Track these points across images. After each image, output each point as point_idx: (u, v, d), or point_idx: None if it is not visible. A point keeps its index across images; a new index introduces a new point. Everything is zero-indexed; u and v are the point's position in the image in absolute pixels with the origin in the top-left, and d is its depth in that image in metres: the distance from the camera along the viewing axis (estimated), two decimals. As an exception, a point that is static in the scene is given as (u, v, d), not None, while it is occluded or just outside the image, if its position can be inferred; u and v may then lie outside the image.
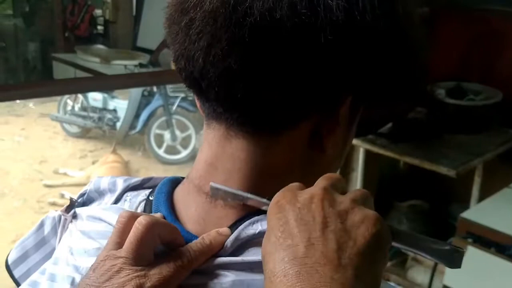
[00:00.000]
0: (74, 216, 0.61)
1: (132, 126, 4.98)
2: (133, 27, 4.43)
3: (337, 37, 0.45)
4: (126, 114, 4.92)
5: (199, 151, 0.56)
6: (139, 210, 0.57)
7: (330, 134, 0.51)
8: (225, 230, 0.51)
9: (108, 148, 4.74)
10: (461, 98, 2.25)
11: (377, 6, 0.47)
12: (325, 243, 0.41)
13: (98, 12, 4.52)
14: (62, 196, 4.07)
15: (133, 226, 0.48)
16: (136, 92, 4.89)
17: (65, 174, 4.49)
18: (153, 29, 4.29)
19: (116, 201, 0.61)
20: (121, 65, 3.52)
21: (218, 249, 0.50)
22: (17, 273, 0.64)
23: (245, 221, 0.51)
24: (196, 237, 0.51)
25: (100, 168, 4.33)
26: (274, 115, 0.50)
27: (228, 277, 0.48)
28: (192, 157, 4.84)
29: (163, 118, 4.86)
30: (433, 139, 2.16)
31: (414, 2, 0.53)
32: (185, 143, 4.91)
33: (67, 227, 0.61)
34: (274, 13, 0.44)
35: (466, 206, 2.50)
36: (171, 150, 4.91)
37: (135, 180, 0.62)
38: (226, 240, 0.50)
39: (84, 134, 5.34)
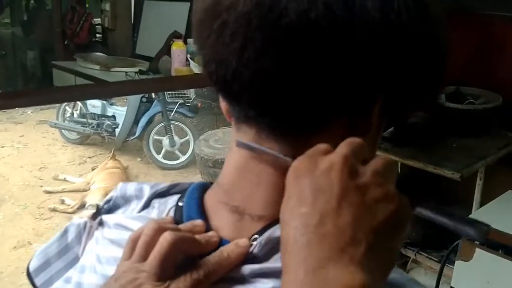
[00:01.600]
0: (100, 223, 0.59)
1: (131, 132, 5.00)
2: (131, 35, 4.43)
3: (373, 37, 0.45)
4: (125, 120, 4.93)
5: (227, 156, 0.55)
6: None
7: (362, 135, 0.50)
8: (244, 241, 0.50)
9: (107, 154, 4.76)
10: (461, 103, 2.28)
11: (412, 7, 0.47)
12: (340, 215, 0.40)
13: (96, 20, 4.52)
14: (62, 202, 4.08)
15: (159, 242, 0.48)
16: (134, 99, 4.90)
17: (64, 180, 4.50)
18: (152, 36, 4.29)
19: (143, 208, 0.59)
20: (121, 72, 3.52)
21: (238, 262, 0.49)
22: (38, 281, 0.62)
23: (276, 224, 0.49)
24: (229, 241, 0.51)
25: (99, 174, 4.35)
26: (307, 117, 0.49)
27: (267, 284, 0.47)
28: (191, 163, 4.85)
29: (162, 124, 4.87)
30: (435, 142, 2.18)
31: (441, 4, 0.53)
32: (183, 148, 4.92)
33: (93, 235, 0.60)
34: (310, 14, 0.44)
35: (466, 208, 2.52)
36: (169, 155, 4.92)
37: (161, 186, 0.61)
38: (250, 249, 0.49)
39: (83, 140, 5.35)
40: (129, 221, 0.57)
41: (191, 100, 4.93)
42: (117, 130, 5.01)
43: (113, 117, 5.09)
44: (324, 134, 0.50)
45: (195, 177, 4.44)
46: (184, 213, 0.55)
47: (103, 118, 5.10)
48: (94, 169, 4.57)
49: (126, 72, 3.55)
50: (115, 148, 4.80)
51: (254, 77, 0.46)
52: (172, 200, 0.58)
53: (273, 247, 0.49)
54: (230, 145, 0.56)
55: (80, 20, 4.34)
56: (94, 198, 4.00)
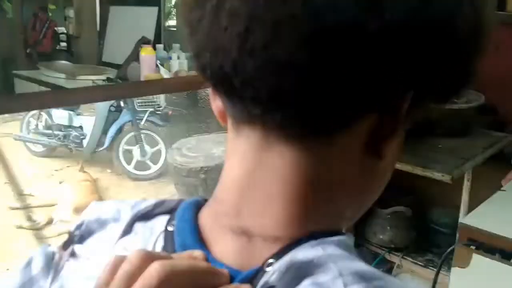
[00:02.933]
0: (72, 254, 0.50)
1: (100, 143, 4.85)
2: (97, 42, 4.30)
3: (411, 19, 0.38)
4: (93, 130, 4.79)
5: (225, 167, 0.46)
6: (158, 246, 0.46)
7: (391, 136, 0.43)
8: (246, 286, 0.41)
9: (75, 167, 4.59)
10: (444, 102, 2.24)
11: None
12: None
13: (61, 28, 4.39)
14: (29, 218, 3.90)
15: (143, 276, 0.38)
16: (102, 108, 4.76)
17: (30, 195, 4.32)
18: (119, 43, 4.17)
19: (124, 233, 0.49)
20: (88, 80, 3.38)
21: None
22: None
23: (297, 246, 0.41)
24: (237, 271, 0.42)
25: (67, 188, 4.19)
26: (328, 114, 0.40)
27: None
28: (163, 173, 4.73)
29: (132, 134, 4.75)
30: (419, 143, 2.13)
31: None
32: (155, 158, 4.81)
33: (63, 267, 0.50)
34: None
35: (449, 210, 2.48)
36: (141, 166, 4.80)
37: (144, 205, 0.51)
38: (265, 277, 0.40)
39: (49, 153, 5.17)
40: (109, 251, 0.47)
41: (161, 108, 4.81)
42: (85, 141, 4.86)
43: (80, 127, 4.94)
44: (347, 134, 0.42)
45: (169, 187, 4.32)
46: (176, 240, 0.45)
47: (70, 129, 4.94)
48: (62, 182, 4.41)
49: (93, 80, 3.43)
50: (84, 160, 4.64)
51: (263, 68, 0.37)
52: (160, 223, 0.48)
53: (296, 274, 0.39)
54: (225, 153, 0.47)
55: (43, 27, 4.20)
56: (63, 213, 3.84)
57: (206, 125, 5.40)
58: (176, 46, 3.27)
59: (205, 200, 0.49)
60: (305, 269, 0.39)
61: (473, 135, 2.22)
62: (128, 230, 0.49)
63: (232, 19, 0.37)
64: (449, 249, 1.53)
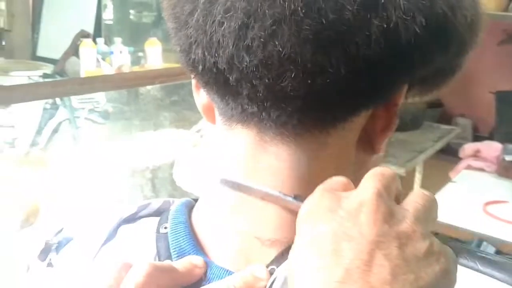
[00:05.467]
0: (49, 265, 0.47)
1: (34, 143, 4.63)
2: (31, 36, 4.10)
3: (413, 15, 0.37)
4: (26, 130, 4.57)
5: (216, 166, 0.45)
6: (148, 249, 0.44)
7: (385, 131, 0.44)
8: (261, 270, 0.39)
9: (8, 168, 4.35)
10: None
11: None
12: (373, 269, 0.30)
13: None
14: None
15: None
16: (36, 105, 4.55)
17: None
18: (54, 37, 3.99)
19: (108, 239, 0.47)
20: (23, 77, 3.22)
21: None
22: None
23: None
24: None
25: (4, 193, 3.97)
26: (326, 110, 0.40)
27: None
28: (104, 173, 4.57)
29: (69, 132, 4.56)
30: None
31: None
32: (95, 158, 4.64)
33: (39, 280, 0.47)
34: None
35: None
36: (80, 166, 4.61)
37: (127, 209, 0.49)
38: (267, 284, 0.39)
39: (-22, 154, 4.88)
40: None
41: (100, 105, 4.65)
42: (17, 141, 4.63)
43: (12, 127, 4.69)
44: (342, 131, 0.42)
45: (111, 188, 4.19)
46: (172, 242, 0.44)
47: (0, 129, 4.69)
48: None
49: (29, 76, 3.27)
50: (17, 161, 4.41)
51: (261, 64, 0.36)
52: (147, 225, 0.46)
53: None
54: (216, 150, 0.46)
55: (-30, 20, 3.95)
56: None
57: (149, 122, 5.27)
58: (118, 40, 3.17)
59: (195, 200, 0.47)
60: None
61: (422, 129, 2.28)
62: (112, 235, 0.47)
63: (228, 14, 0.36)
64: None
